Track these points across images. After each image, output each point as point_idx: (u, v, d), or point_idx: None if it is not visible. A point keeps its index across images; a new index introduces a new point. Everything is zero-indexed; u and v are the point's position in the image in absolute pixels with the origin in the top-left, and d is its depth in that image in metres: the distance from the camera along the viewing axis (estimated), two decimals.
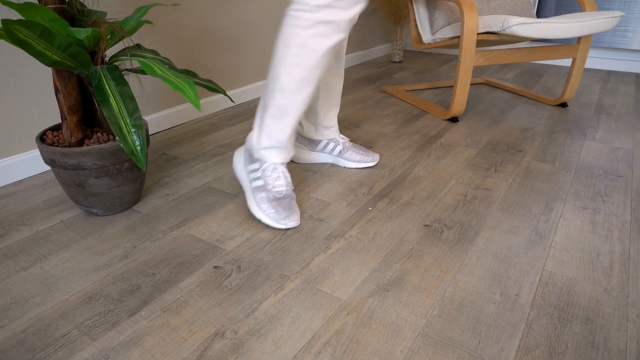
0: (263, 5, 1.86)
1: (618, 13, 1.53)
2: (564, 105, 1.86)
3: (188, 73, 1.04)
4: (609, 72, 2.45)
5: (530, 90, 2.05)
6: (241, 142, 1.49)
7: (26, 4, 0.76)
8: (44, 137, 1.01)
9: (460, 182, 1.21)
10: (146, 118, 1.53)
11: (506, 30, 1.43)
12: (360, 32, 2.68)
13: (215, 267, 0.87)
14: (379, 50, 2.91)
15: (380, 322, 0.73)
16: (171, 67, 1.07)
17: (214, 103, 1.77)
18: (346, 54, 2.60)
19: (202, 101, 1.72)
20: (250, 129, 1.60)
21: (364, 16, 2.67)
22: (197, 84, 1.02)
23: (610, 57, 2.51)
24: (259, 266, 0.87)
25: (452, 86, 2.17)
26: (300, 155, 1.30)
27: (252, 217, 1.04)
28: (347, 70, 2.51)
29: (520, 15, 1.85)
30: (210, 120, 1.70)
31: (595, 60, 2.55)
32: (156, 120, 1.56)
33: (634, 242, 0.94)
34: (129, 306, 0.77)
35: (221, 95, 1.81)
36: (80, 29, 0.78)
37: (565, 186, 1.18)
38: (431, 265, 0.87)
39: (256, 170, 1.04)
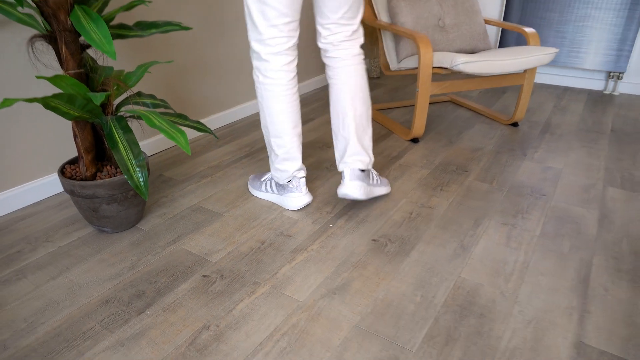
0: (236, 38, 2.09)
1: (553, 50, 1.78)
2: (515, 124, 2.10)
3: (180, 117, 1.27)
4: (566, 89, 2.70)
5: (489, 109, 2.30)
6: (227, 164, 1.72)
7: (56, 76, 0.99)
8: (64, 170, 1.24)
9: (409, 200, 1.45)
10: (146, 141, 1.76)
11: (454, 67, 1.67)
12: None
13: (204, 275, 1.11)
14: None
15: (325, 318, 0.97)
16: (167, 108, 1.30)
17: (207, 122, 2.00)
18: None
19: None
20: (235, 150, 1.83)
21: None
22: (187, 126, 1.25)
23: (566, 74, 2.76)
24: (237, 275, 1.11)
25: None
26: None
27: (233, 234, 1.28)
28: (324, 88, 2.74)
29: (477, 45, 2.09)
30: (200, 141, 1.94)
31: (554, 77, 2.80)
32: (154, 143, 1.79)
33: (535, 253, 1.19)
34: (137, 307, 1.01)
35: (210, 117, 2.04)
36: (96, 94, 1.01)
37: (495, 204, 1.43)
38: (372, 273, 1.11)
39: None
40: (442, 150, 1.83)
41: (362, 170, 1.35)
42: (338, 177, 1.61)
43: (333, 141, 1.53)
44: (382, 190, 1.45)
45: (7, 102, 0.92)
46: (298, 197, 1.37)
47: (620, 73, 2.55)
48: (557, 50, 1.78)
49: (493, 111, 2.26)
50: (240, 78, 2.13)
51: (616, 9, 2.43)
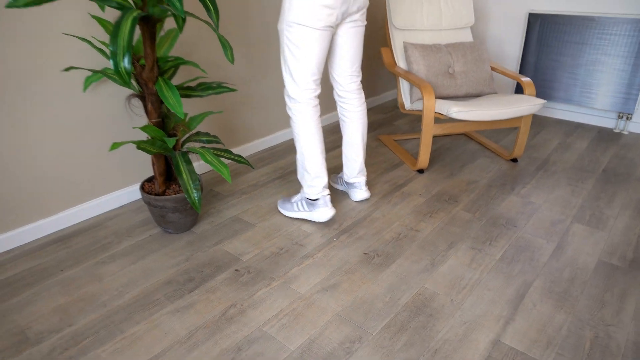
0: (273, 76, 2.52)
1: (540, 101, 2.08)
2: (515, 160, 2.39)
3: (226, 151, 1.71)
4: (578, 125, 2.93)
5: (495, 144, 2.59)
6: (263, 183, 2.16)
7: (144, 126, 1.46)
8: (143, 186, 1.72)
9: (401, 224, 1.81)
10: (201, 163, 2.23)
11: (449, 115, 2.01)
12: (373, 80, 3.30)
13: (236, 270, 1.54)
14: (389, 95, 3.51)
15: (317, 306, 1.37)
16: (217, 142, 1.75)
17: (246, 149, 2.46)
18: None
19: (239, 148, 2.41)
20: (270, 172, 2.26)
21: (377, 66, 3.28)
22: (230, 159, 1.69)
23: (580, 112, 2.98)
24: (259, 271, 1.53)
25: (436, 136, 2.74)
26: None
27: (261, 241, 1.70)
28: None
29: (483, 90, 2.40)
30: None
31: (568, 113, 3.03)
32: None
33: (489, 273, 1.52)
34: (188, 287, 1.45)
35: (253, 142, 2.49)
36: (169, 139, 1.47)
37: (471, 232, 1.76)
38: (358, 278, 1.50)
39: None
40: (442, 181, 2.17)
41: None
42: (345, 201, 2.00)
43: (343, 162, 1.93)
44: None
45: (115, 145, 1.39)
46: (325, 211, 1.78)
47: (629, 114, 2.75)
48: (544, 101, 2.08)
49: (498, 146, 2.55)
50: (276, 110, 2.57)
51: (624, 56, 2.64)
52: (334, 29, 1.57)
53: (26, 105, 1.56)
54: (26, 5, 1.18)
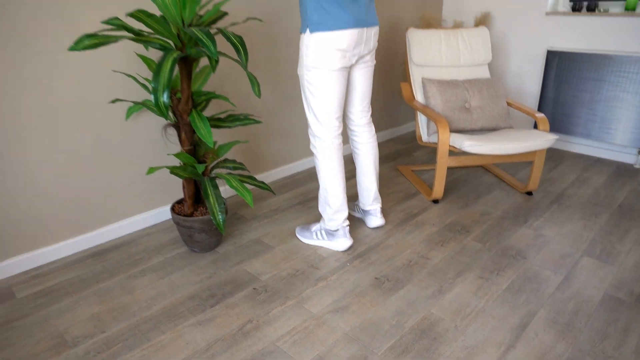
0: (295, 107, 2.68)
1: (553, 136, 2.15)
2: (530, 193, 2.45)
3: (250, 178, 1.85)
4: (597, 160, 2.96)
5: (512, 177, 2.65)
6: (284, 208, 2.28)
7: (178, 153, 1.62)
8: (174, 207, 1.87)
9: (413, 251, 1.90)
10: (227, 187, 2.39)
11: (462, 148, 2.11)
12: (393, 112, 3.42)
13: (254, 288, 1.66)
14: (409, 127, 3.62)
15: (327, 326, 1.46)
16: (243, 169, 1.90)
17: (270, 175, 2.61)
18: (379, 131, 3.34)
19: (263, 174, 2.56)
20: (292, 197, 2.39)
21: (397, 99, 3.41)
22: (254, 185, 1.83)
23: (599, 146, 3.01)
24: (276, 291, 1.64)
25: (452, 167, 2.83)
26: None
27: (279, 263, 1.82)
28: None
29: (498, 124, 2.49)
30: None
31: (588, 148, 3.06)
32: None
33: (494, 302, 1.58)
34: (210, 302, 1.57)
35: (277, 169, 2.64)
36: (200, 165, 1.62)
37: (480, 262, 1.83)
38: (367, 301, 1.59)
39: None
40: (456, 212, 2.25)
41: None
42: (361, 228, 2.10)
43: (358, 191, 2.05)
44: None
45: (152, 170, 1.56)
46: (344, 242, 1.89)
47: None
48: (556, 137, 2.15)
49: (514, 179, 2.61)
50: (298, 139, 2.72)
51: None
52: (348, 69, 1.71)
53: (75, 132, 1.76)
54: (84, 48, 1.37)
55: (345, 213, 1.86)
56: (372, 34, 1.71)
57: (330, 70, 1.64)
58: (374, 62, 1.83)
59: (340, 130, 1.78)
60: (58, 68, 1.65)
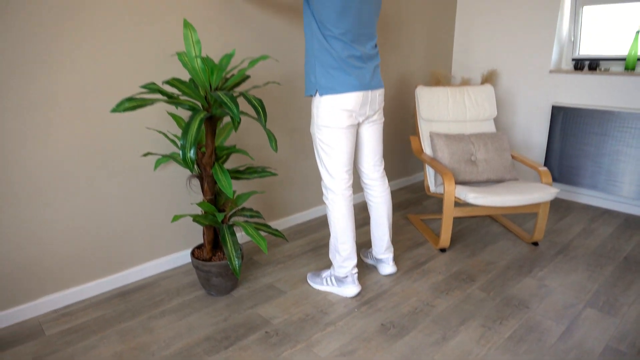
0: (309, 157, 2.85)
1: (554, 190, 2.24)
2: (535, 244, 2.52)
3: (265, 225, 1.99)
4: (605, 211, 3.01)
5: (518, 227, 2.73)
6: (296, 255, 2.40)
7: (201, 202, 1.77)
8: (194, 252, 2.01)
9: (418, 299, 1.98)
10: (244, 234, 2.52)
11: (466, 200, 2.22)
12: (404, 162, 3.57)
13: (266, 332, 1.75)
14: (419, 176, 3.75)
15: None
16: (259, 217, 2.03)
17: (284, 222, 2.74)
18: (391, 181, 3.48)
19: (277, 221, 2.69)
20: (304, 244, 2.51)
21: (408, 150, 3.56)
22: (268, 232, 1.96)
23: (607, 198, 3.08)
24: (286, 334, 1.73)
25: (460, 217, 2.92)
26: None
27: (290, 307, 1.91)
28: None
29: (503, 176, 2.60)
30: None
31: (595, 199, 3.13)
32: None
33: (496, 350, 1.64)
34: (224, 344, 1.67)
35: (291, 216, 2.77)
36: (220, 214, 1.77)
37: (484, 310, 1.89)
38: (373, 346, 1.66)
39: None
40: (462, 261, 2.33)
41: None
42: (370, 274, 2.19)
43: (372, 240, 2.16)
44: None
45: (176, 218, 1.71)
46: (352, 288, 1.98)
47: None
48: (557, 190, 2.25)
49: (520, 229, 2.69)
50: (311, 188, 2.87)
51: None
52: (356, 127, 1.87)
53: (108, 179, 1.94)
54: (124, 110, 1.56)
55: (354, 261, 1.96)
56: (377, 96, 1.88)
57: (339, 128, 1.80)
58: (382, 119, 2.00)
59: (351, 182, 1.92)
60: (100, 125, 1.86)
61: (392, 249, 2.16)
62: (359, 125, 1.93)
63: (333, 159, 1.85)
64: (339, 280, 1.99)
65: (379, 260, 2.18)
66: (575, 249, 2.45)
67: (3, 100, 1.61)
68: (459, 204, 2.72)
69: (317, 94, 1.79)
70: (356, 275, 1.99)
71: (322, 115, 1.79)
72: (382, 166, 2.07)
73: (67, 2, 1.68)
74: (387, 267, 2.16)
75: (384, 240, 2.13)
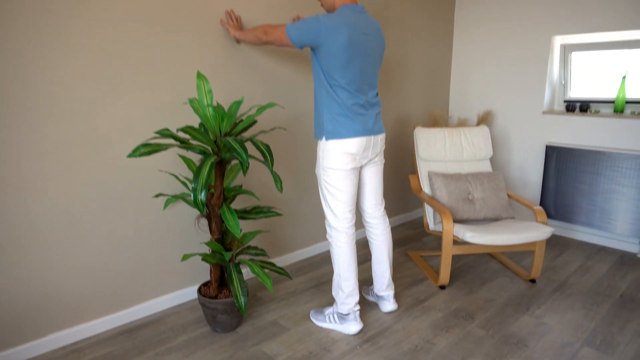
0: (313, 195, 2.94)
1: (549, 229, 2.32)
2: (533, 281, 2.57)
3: (270, 264, 2.06)
4: (601, 248, 3.08)
5: (516, 264, 2.79)
6: (300, 291, 2.45)
7: (208, 241, 1.85)
8: (200, 289, 2.07)
9: (419, 336, 2.02)
10: (248, 270, 2.59)
11: (464, 239, 2.29)
12: (404, 199, 3.66)
13: None
14: (419, 212, 3.83)
15: None
16: (264, 255, 2.11)
17: (287, 259, 2.81)
18: (391, 217, 3.56)
19: (281, 257, 2.76)
20: (307, 281, 2.57)
21: (408, 187, 3.65)
22: (273, 270, 2.03)
23: (603, 235, 3.15)
24: None
25: (459, 254, 2.98)
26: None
27: (293, 344, 1.96)
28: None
29: (500, 214, 2.68)
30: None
31: (591, 236, 3.20)
32: None
33: None
34: None
35: (294, 253, 2.84)
36: (227, 253, 1.84)
37: (483, 348, 1.93)
38: None
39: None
40: (461, 298, 2.38)
41: None
42: (372, 312, 2.24)
43: (373, 277, 2.23)
44: None
45: (186, 257, 1.78)
46: (354, 325, 2.03)
47: None
48: (552, 229, 2.33)
49: (518, 267, 2.75)
50: (314, 225, 2.95)
51: (637, 186, 2.88)
52: (359, 169, 1.98)
53: (117, 218, 2.02)
54: (140, 155, 1.66)
55: (357, 298, 2.02)
56: (378, 140, 2.00)
57: (343, 170, 1.90)
58: (383, 161, 2.10)
59: (353, 222, 2.01)
60: (112, 167, 1.96)
61: (392, 287, 2.22)
62: (361, 167, 2.03)
63: (337, 199, 1.95)
64: (342, 317, 2.04)
65: (380, 298, 2.23)
66: (572, 287, 2.51)
67: (21, 145, 1.72)
68: (457, 242, 2.79)
69: (324, 138, 1.90)
70: (358, 312, 2.04)
71: (328, 157, 1.90)
72: (383, 205, 2.17)
73: (85, 53, 1.81)
74: (388, 305, 2.21)
75: (385, 277, 2.19)
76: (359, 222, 3.29)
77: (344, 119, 1.88)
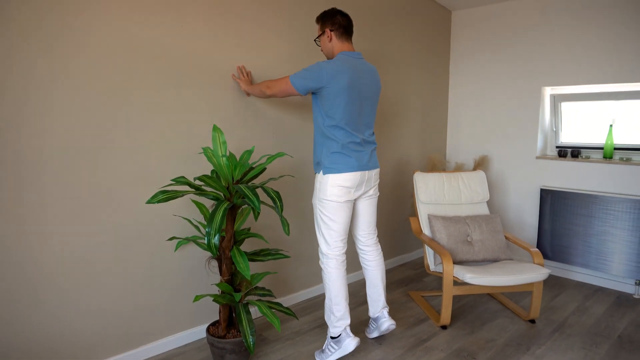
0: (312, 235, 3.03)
1: (546, 271, 2.41)
2: (532, 321, 2.63)
3: (277, 304, 2.14)
4: (598, 289, 3.15)
5: (515, 304, 2.86)
6: (304, 331, 2.51)
7: (219, 282, 1.94)
8: (209, 329, 2.14)
9: None
10: (255, 309, 2.65)
11: (464, 280, 2.38)
12: (405, 239, 3.75)
13: None
14: (420, 252, 3.92)
15: None
16: (271, 296, 2.19)
17: (293, 298, 2.88)
18: (391, 257, 3.64)
19: (286, 297, 2.83)
20: (311, 321, 2.63)
21: (408, 228, 3.76)
22: (280, 311, 2.11)
23: (599, 276, 3.22)
24: None
25: (460, 295, 3.05)
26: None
27: None
28: (389, 272, 3.52)
29: (499, 256, 2.77)
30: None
31: (589, 277, 3.27)
32: None
33: None
34: None
35: (299, 292, 2.91)
36: (236, 294, 1.93)
37: None
38: None
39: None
40: (462, 338, 2.44)
41: None
42: (374, 352, 2.30)
43: (368, 302, 2.36)
44: None
45: (198, 298, 1.87)
46: (350, 341, 2.10)
47: None
48: (549, 271, 2.42)
49: (518, 307, 2.81)
50: (318, 265, 3.03)
51: (629, 229, 2.98)
52: (353, 201, 2.13)
53: (133, 261, 2.12)
54: (158, 202, 1.79)
55: (347, 321, 2.11)
56: (372, 175, 2.17)
57: (337, 202, 2.06)
58: (377, 194, 2.28)
59: (344, 250, 2.14)
60: (134, 212, 2.08)
61: (387, 306, 2.34)
62: (356, 199, 2.18)
63: (330, 229, 2.08)
64: (337, 341, 2.11)
65: (377, 319, 2.33)
66: (571, 327, 2.57)
67: (45, 193, 1.85)
68: (457, 282, 2.87)
69: (322, 172, 2.06)
70: (349, 328, 2.12)
71: (324, 190, 2.06)
72: (376, 234, 2.33)
73: (110, 107, 1.98)
74: (385, 322, 2.31)
75: (379, 300, 2.33)
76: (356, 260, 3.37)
77: (341, 156, 2.06)
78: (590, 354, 2.27)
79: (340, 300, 2.11)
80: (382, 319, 2.32)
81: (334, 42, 2.15)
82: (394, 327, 2.32)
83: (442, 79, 3.93)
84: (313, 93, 2.09)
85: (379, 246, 2.35)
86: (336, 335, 2.12)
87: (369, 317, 2.68)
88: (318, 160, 2.13)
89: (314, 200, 2.15)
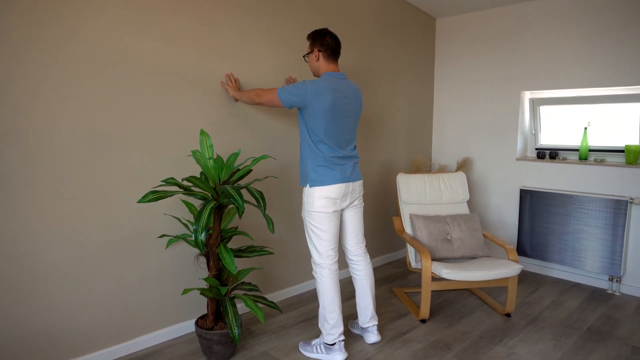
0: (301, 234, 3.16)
1: (518, 266, 2.55)
2: (508, 315, 2.76)
3: (262, 298, 2.26)
4: (575, 285, 3.28)
5: (493, 299, 2.99)
6: (290, 325, 2.63)
7: (206, 277, 2.07)
8: (198, 322, 2.26)
9: None
10: (243, 305, 2.78)
11: (441, 275, 2.51)
12: (390, 239, 3.88)
13: None
14: (404, 252, 4.03)
15: None
16: (257, 291, 2.31)
17: (279, 295, 3.00)
18: (378, 256, 3.77)
19: (273, 294, 2.95)
20: (297, 315, 2.75)
21: (393, 228, 3.88)
22: (265, 304, 2.23)
23: (576, 272, 3.36)
24: None
25: (441, 290, 3.18)
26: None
27: None
28: (375, 270, 3.65)
29: (477, 253, 2.91)
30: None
31: (566, 273, 3.41)
32: None
33: None
34: None
35: (285, 289, 3.03)
36: (223, 288, 2.05)
37: None
38: None
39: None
40: (440, 331, 2.56)
41: None
42: (356, 343, 2.42)
43: (357, 311, 2.42)
44: None
45: (186, 291, 2.00)
46: (339, 355, 2.21)
47: (618, 277, 3.11)
48: (521, 266, 2.55)
49: (496, 302, 2.94)
50: (303, 264, 3.15)
51: (602, 227, 3.12)
52: (340, 212, 2.23)
53: (125, 258, 2.24)
54: (149, 201, 1.91)
55: (341, 329, 2.22)
56: (356, 186, 2.27)
57: (325, 213, 2.16)
58: (362, 204, 2.36)
59: (336, 258, 2.23)
60: (127, 211, 2.20)
61: (376, 319, 2.41)
62: (343, 210, 2.28)
63: (321, 239, 2.18)
64: (328, 347, 2.23)
65: (364, 330, 2.42)
66: (545, 320, 2.70)
67: (43, 194, 1.97)
68: (435, 278, 3.00)
69: (308, 186, 2.16)
70: (343, 343, 2.23)
71: (312, 202, 2.15)
72: (364, 244, 2.40)
73: (104, 112, 2.10)
74: (372, 336, 2.40)
75: (368, 310, 2.38)
76: (343, 260, 3.50)
77: (326, 169, 2.15)
78: (559, 345, 2.40)
79: (334, 308, 2.21)
80: (370, 334, 2.40)
81: (321, 62, 2.25)
82: (379, 342, 2.42)
83: (427, 84, 4.07)
84: (299, 109, 2.20)
85: (368, 256, 2.40)
86: (331, 343, 2.23)
87: (355, 311, 2.81)
88: (304, 174, 2.22)
89: (303, 213, 2.25)
